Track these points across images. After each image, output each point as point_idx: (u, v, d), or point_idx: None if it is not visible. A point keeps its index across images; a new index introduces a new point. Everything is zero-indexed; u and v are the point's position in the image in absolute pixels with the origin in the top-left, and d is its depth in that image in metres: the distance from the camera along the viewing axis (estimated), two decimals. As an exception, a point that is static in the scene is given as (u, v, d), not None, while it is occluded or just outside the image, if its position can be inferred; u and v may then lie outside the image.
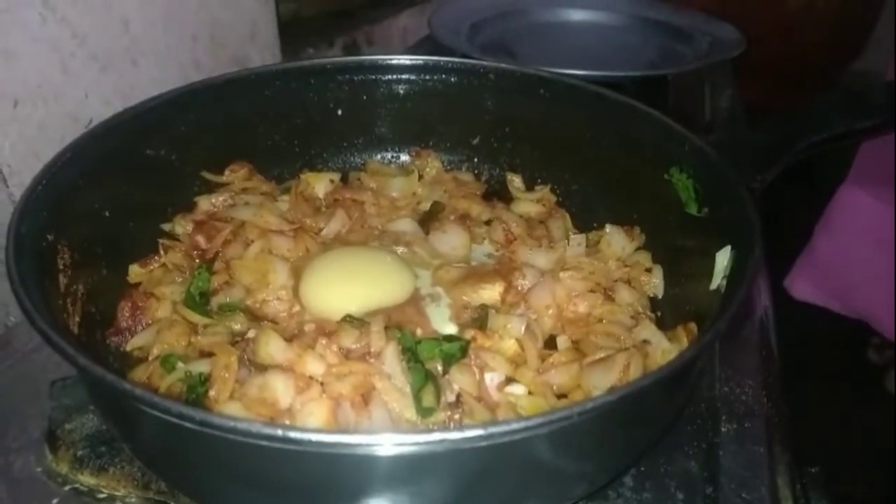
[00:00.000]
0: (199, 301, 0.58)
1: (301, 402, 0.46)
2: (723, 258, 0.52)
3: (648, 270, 0.65)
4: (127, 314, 0.57)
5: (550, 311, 0.59)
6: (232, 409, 0.46)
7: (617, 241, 0.65)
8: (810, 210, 1.37)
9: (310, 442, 0.32)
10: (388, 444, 0.33)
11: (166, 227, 0.68)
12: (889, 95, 0.66)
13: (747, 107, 1.35)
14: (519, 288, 0.60)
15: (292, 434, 0.32)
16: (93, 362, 0.36)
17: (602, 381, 0.50)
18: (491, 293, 0.59)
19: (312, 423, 0.44)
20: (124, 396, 0.35)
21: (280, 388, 0.46)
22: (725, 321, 0.40)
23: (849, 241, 1.33)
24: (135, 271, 0.62)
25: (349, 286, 0.59)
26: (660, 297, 0.63)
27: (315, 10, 1.44)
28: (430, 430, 0.39)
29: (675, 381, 0.39)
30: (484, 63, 0.77)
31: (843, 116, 0.64)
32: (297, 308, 0.60)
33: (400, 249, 0.67)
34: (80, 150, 0.58)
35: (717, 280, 0.52)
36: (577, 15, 1.42)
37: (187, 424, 0.33)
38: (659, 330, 0.56)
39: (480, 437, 0.33)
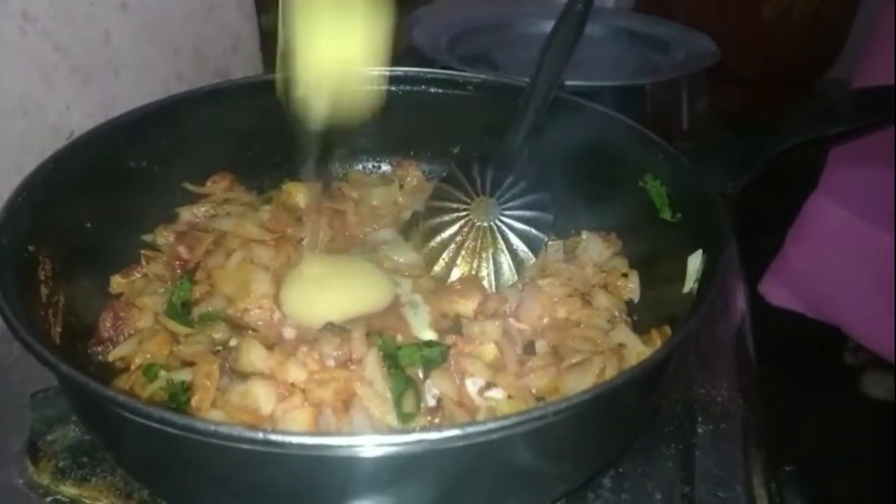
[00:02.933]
0: (181, 311, 0.58)
1: (283, 409, 0.46)
2: (695, 262, 0.54)
3: (625, 275, 0.66)
4: (109, 325, 0.58)
5: (545, 321, 0.60)
6: (214, 416, 0.47)
7: (594, 247, 0.67)
8: (786, 214, 1.40)
9: (290, 444, 0.33)
10: (368, 445, 0.33)
11: (148, 237, 0.68)
12: (855, 104, 0.68)
13: (723, 114, 1.38)
14: (501, 298, 0.61)
15: (273, 437, 0.33)
16: (74, 370, 0.36)
17: (579, 384, 0.51)
18: (465, 306, 0.59)
19: (294, 429, 0.45)
20: (106, 403, 0.35)
21: (262, 396, 0.47)
22: (696, 322, 0.42)
23: (820, 249, 1.35)
24: (117, 282, 0.63)
25: (329, 294, 0.59)
26: (636, 301, 0.65)
27: (297, 22, 1.45)
28: (409, 432, 0.40)
29: (647, 380, 0.40)
30: (463, 74, 0.79)
31: (813, 124, 0.66)
32: (277, 316, 0.60)
33: (380, 258, 0.68)
34: (62, 161, 0.59)
35: (690, 283, 0.54)
36: (556, 28, 1.45)
37: (168, 429, 0.33)
38: (634, 333, 0.57)
39: (458, 437, 0.34)
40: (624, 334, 0.57)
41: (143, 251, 0.66)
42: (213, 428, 0.33)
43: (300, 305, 0.58)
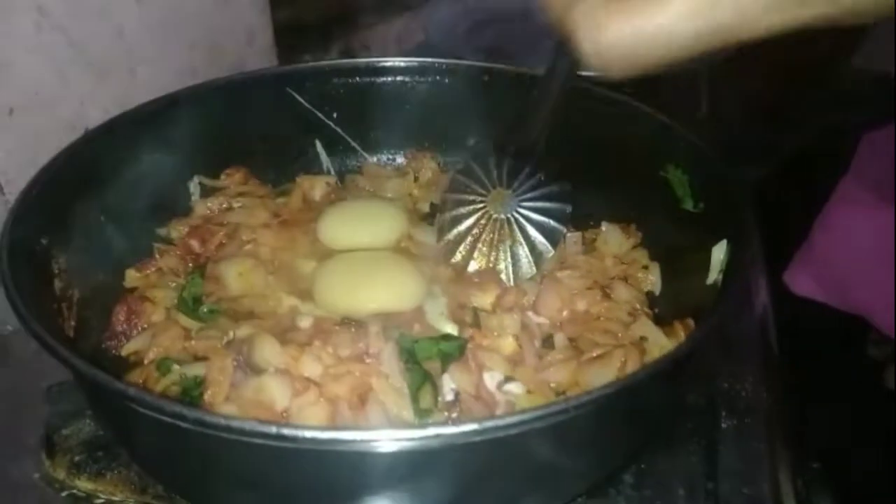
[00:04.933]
0: (193, 306, 0.58)
1: (298, 404, 0.46)
2: (719, 252, 0.52)
3: (645, 267, 0.65)
4: (122, 318, 0.57)
5: (565, 314, 0.59)
6: (228, 411, 0.46)
7: (613, 238, 0.65)
8: (811, 206, 1.36)
9: (304, 439, 0.32)
10: (384, 440, 0.32)
11: (162, 231, 0.68)
12: (880, 90, 0.66)
13: (744, 101, 1.35)
14: (520, 291, 0.59)
15: (286, 431, 0.32)
16: (88, 364, 0.36)
17: (600, 378, 0.50)
18: (483, 300, 0.58)
19: (309, 424, 0.44)
20: (120, 397, 0.35)
21: (276, 391, 0.46)
22: (721, 314, 0.40)
23: (847, 237, 1.32)
24: (131, 276, 0.62)
25: (371, 287, 0.59)
26: (657, 293, 0.63)
27: (311, 16, 1.45)
28: (425, 426, 0.39)
29: (670, 374, 0.39)
30: (477, 64, 0.77)
31: (837, 111, 0.64)
32: (290, 304, 0.59)
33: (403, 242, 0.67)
34: (75, 154, 0.58)
35: (714, 275, 0.52)
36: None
37: (181, 424, 0.33)
38: (656, 326, 0.56)
39: (476, 432, 0.33)
40: (646, 327, 0.55)
41: (157, 245, 0.65)
42: (225, 422, 0.33)
43: (336, 295, 0.58)
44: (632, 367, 0.50)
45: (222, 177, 0.73)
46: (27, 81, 0.78)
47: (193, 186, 0.72)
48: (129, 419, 0.40)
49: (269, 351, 0.49)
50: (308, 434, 0.32)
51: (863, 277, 1.33)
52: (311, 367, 0.48)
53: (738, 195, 0.52)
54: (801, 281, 1.39)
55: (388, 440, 0.33)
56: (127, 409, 0.37)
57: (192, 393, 0.49)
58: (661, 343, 0.53)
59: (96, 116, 0.86)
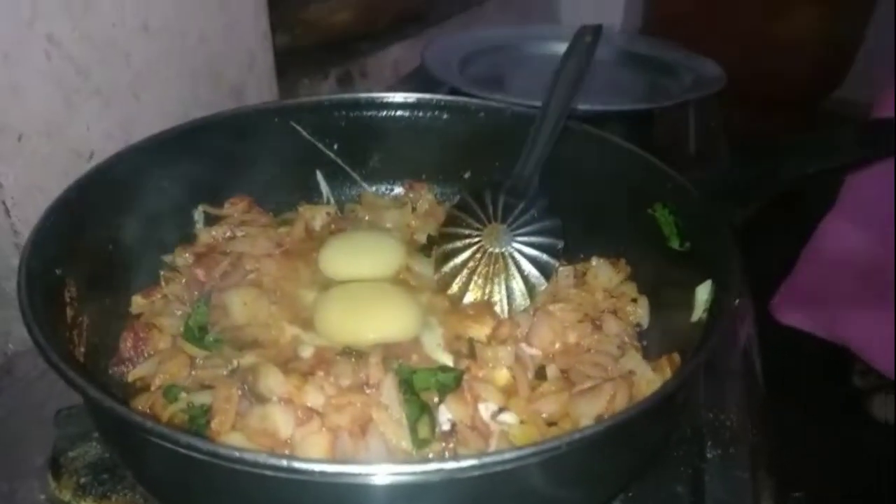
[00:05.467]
0: (198, 334, 0.60)
1: (301, 434, 0.48)
2: (703, 292, 0.55)
3: (634, 301, 0.67)
4: (129, 345, 0.59)
5: (557, 346, 0.62)
6: (234, 439, 0.48)
7: (604, 273, 0.68)
8: (797, 234, 1.40)
9: (313, 472, 0.34)
10: (386, 474, 0.35)
11: (167, 258, 0.70)
12: (856, 137, 0.69)
13: (732, 133, 1.40)
14: (514, 323, 0.62)
15: (297, 464, 0.34)
16: (104, 395, 0.38)
17: (590, 410, 0.52)
18: (479, 331, 0.61)
19: (312, 454, 0.46)
20: (137, 429, 0.36)
21: (280, 420, 0.48)
22: (705, 355, 0.43)
23: (832, 270, 1.36)
24: (137, 302, 0.64)
25: (365, 317, 0.61)
26: (645, 326, 0.66)
27: (310, 42, 1.48)
28: (427, 460, 0.41)
29: (658, 411, 0.41)
30: (474, 101, 0.80)
31: (818, 154, 0.67)
32: (292, 333, 0.61)
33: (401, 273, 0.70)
34: (86, 186, 0.60)
35: (699, 313, 0.55)
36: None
37: (196, 455, 0.35)
38: (644, 360, 0.58)
39: (475, 467, 0.35)
40: (634, 361, 0.58)
41: (162, 272, 0.67)
42: (239, 455, 0.35)
43: (336, 325, 0.60)
44: (620, 400, 0.53)
45: (226, 206, 0.75)
46: (36, 108, 0.80)
47: (198, 215, 0.74)
48: (141, 447, 0.41)
49: (272, 381, 0.51)
50: (318, 468, 0.34)
51: (846, 309, 1.36)
52: (314, 397, 0.50)
53: (723, 237, 0.55)
54: (787, 311, 1.43)
55: (391, 474, 0.35)
56: (140, 438, 0.38)
57: (198, 421, 0.50)
58: (648, 377, 0.55)
59: (101, 142, 0.89)
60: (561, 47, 1.52)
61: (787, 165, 0.67)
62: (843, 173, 1.04)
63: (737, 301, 0.48)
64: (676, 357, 0.55)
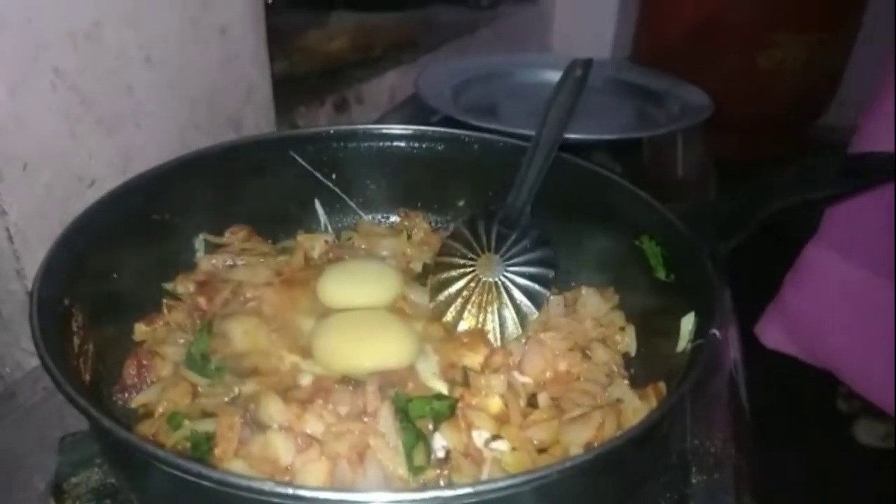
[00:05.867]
0: (200, 362, 0.61)
1: (301, 461, 0.49)
2: (687, 323, 0.57)
3: (622, 329, 0.70)
4: (133, 372, 0.61)
5: (548, 374, 0.64)
6: (237, 466, 0.50)
7: (593, 302, 0.70)
8: (785, 258, 1.43)
9: (316, 500, 0.36)
10: (386, 502, 0.37)
11: (169, 286, 0.72)
12: (838, 169, 0.72)
13: (720, 159, 1.43)
14: (506, 351, 0.64)
15: (302, 492, 0.36)
16: (118, 425, 0.40)
17: (579, 437, 0.54)
18: (473, 359, 0.63)
19: (312, 480, 0.48)
20: (149, 458, 0.38)
21: (281, 448, 0.50)
22: (687, 386, 0.45)
23: (816, 296, 1.39)
24: (140, 330, 0.66)
25: (362, 346, 0.63)
26: (633, 354, 0.68)
27: (307, 69, 1.51)
28: (423, 488, 0.43)
29: (643, 439, 0.43)
30: (469, 133, 0.83)
31: (799, 189, 0.70)
32: (292, 361, 0.63)
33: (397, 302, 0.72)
34: (93, 217, 0.62)
35: (683, 343, 0.57)
36: (558, 77, 1.50)
37: (204, 483, 0.37)
38: (630, 389, 0.60)
39: (470, 495, 0.37)
40: (621, 390, 0.60)
41: (165, 300, 0.69)
42: (247, 483, 0.36)
43: (334, 353, 0.62)
44: (609, 427, 0.55)
45: (226, 234, 0.77)
46: (41, 138, 0.82)
47: (199, 243, 0.76)
48: (148, 473, 0.43)
49: (273, 409, 0.53)
50: (322, 496, 0.36)
51: (830, 334, 1.39)
52: (313, 425, 0.52)
53: (704, 270, 0.57)
54: (772, 335, 1.45)
55: (390, 502, 0.37)
56: (149, 466, 0.40)
57: (202, 448, 0.52)
58: (634, 406, 0.57)
59: (102, 169, 0.91)
60: (553, 75, 1.56)
61: (770, 198, 0.70)
62: (826, 204, 1.07)
63: (716, 332, 0.50)
64: (662, 386, 0.57)
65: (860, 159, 0.75)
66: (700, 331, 0.54)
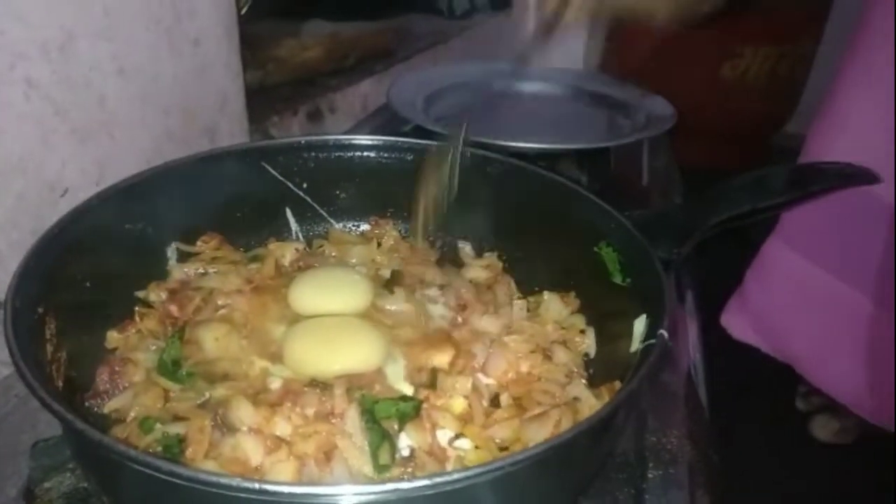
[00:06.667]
0: (172, 368, 0.63)
1: (270, 461, 0.51)
2: (639, 325, 0.61)
3: (582, 332, 0.73)
4: (105, 378, 0.62)
5: (510, 375, 0.66)
6: (208, 467, 0.51)
7: (555, 306, 0.73)
8: (745, 254, 1.48)
9: (282, 493, 0.38)
10: (349, 495, 0.39)
11: (141, 294, 0.73)
12: (786, 179, 0.76)
13: (685, 167, 1.48)
14: (471, 354, 0.66)
15: (268, 487, 0.38)
16: (94, 429, 0.41)
17: (537, 435, 0.57)
18: (441, 360, 0.65)
19: (281, 479, 0.50)
20: (120, 458, 0.40)
21: (250, 449, 0.52)
22: (636, 384, 0.48)
23: (775, 290, 1.44)
24: (112, 337, 0.67)
25: (332, 350, 0.65)
26: (592, 356, 0.71)
27: (280, 79, 1.53)
28: (384, 482, 0.45)
29: (592, 435, 0.46)
30: (437, 143, 0.86)
31: (748, 197, 0.74)
32: (262, 366, 0.65)
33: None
34: (67, 226, 0.64)
35: (636, 345, 0.60)
36: (529, 87, 1.54)
37: (176, 481, 0.39)
38: (587, 388, 0.63)
39: (427, 487, 0.40)
40: (578, 389, 0.63)
41: (137, 307, 0.70)
42: (215, 479, 0.38)
43: (306, 358, 0.64)
44: (565, 424, 0.57)
45: (198, 243, 0.79)
46: (14, 147, 0.83)
47: (171, 252, 0.77)
48: (122, 475, 0.45)
49: (243, 412, 0.55)
50: (286, 489, 0.38)
51: (788, 327, 1.44)
52: (282, 427, 0.54)
53: (657, 275, 0.61)
54: (737, 325, 1.50)
55: (352, 494, 0.39)
56: (122, 466, 0.42)
57: (173, 450, 0.54)
58: (590, 404, 0.60)
59: (76, 178, 0.92)
60: (525, 85, 1.60)
61: (720, 206, 0.74)
62: (777, 211, 1.12)
63: (664, 333, 0.53)
64: (616, 385, 0.60)
65: (806, 170, 0.79)
66: (650, 332, 0.57)
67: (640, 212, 0.74)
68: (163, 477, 0.39)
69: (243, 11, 1.36)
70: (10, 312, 0.51)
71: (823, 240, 1.35)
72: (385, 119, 1.44)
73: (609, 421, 0.49)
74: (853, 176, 0.77)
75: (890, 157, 1.08)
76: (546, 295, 0.75)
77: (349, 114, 1.59)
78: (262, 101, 1.39)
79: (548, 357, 0.69)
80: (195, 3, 1.05)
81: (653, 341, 0.55)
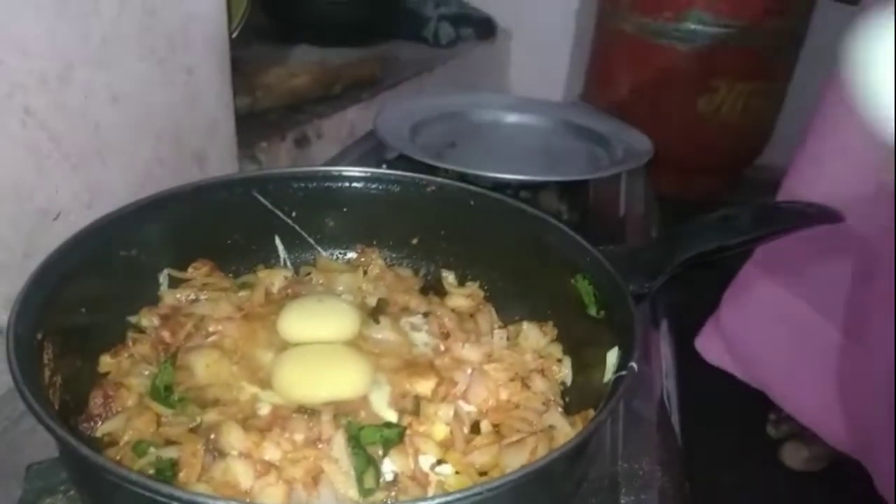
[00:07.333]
0: (164, 394, 0.65)
1: (259, 485, 0.54)
2: (612, 357, 0.64)
3: (559, 361, 0.76)
4: (99, 402, 0.64)
5: (490, 403, 0.69)
6: (199, 490, 0.54)
7: (533, 335, 0.77)
8: (722, 278, 1.52)
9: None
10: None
11: (133, 319, 0.75)
12: (751, 217, 0.80)
13: (662, 198, 1.53)
14: (452, 382, 0.69)
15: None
16: (96, 453, 0.44)
17: (515, 461, 0.60)
18: (424, 387, 0.68)
19: (271, 502, 0.52)
20: (119, 480, 0.42)
21: (241, 473, 0.54)
22: (605, 414, 0.51)
23: (750, 316, 1.49)
24: (105, 362, 0.69)
25: (319, 378, 0.67)
26: (568, 384, 0.74)
27: (269, 105, 1.56)
28: (370, 506, 0.48)
29: (565, 462, 0.49)
30: (422, 176, 0.89)
31: (716, 235, 0.78)
32: (251, 392, 0.67)
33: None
34: (65, 254, 0.66)
35: (608, 375, 0.64)
36: (512, 118, 1.59)
37: (174, 503, 0.41)
38: (563, 416, 0.66)
39: (411, 512, 0.42)
40: (554, 417, 0.66)
41: (130, 333, 0.72)
42: (211, 502, 0.41)
43: (294, 385, 0.66)
44: (541, 451, 0.60)
45: (190, 269, 0.81)
46: (8, 173, 0.85)
47: (163, 278, 0.79)
48: (116, 496, 0.47)
49: (234, 437, 0.57)
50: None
51: (763, 355, 1.48)
52: (271, 452, 0.57)
53: (627, 308, 0.64)
54: (711, 350, 1.54)
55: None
56: (118, 488, 0.44)
57: (166, 473, 0.56)
58: (565, 431, 0.63)
59: (68, 203, 0.94)
60: (509, 116, 1.65)
61: (689, 243, 0.78)
62: (745, 248, 1.16)
63: (634, 365, 0.57)
64: (591, 413, 0.63)
65: (770, 209, 0.83)
66: (622, 363, 0.61)
67: (614, 247, 0.78)
68: (162, 500, 0.41)
69: (234, 35, 1.39)
70: (12, 339, 0.53)
71: (798, 268, 1.40)
72: (371, 146, 1.47)
73: (581, 449, 0.52)
74: (815, 216, 0.81)
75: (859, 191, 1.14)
76: (525, 325, 0.78)
77: (336, 140, 1.63)
78: (250, 126, 1.42)
79: (526, 385, 0.72)
80: (190, 34, 1.09)
81: (623, 373, 0.59)
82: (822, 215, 0.82)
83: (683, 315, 1.25)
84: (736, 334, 1.51)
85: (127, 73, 0.99)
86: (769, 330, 1.46)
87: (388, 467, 0.60)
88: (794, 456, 1.54)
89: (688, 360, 1.42)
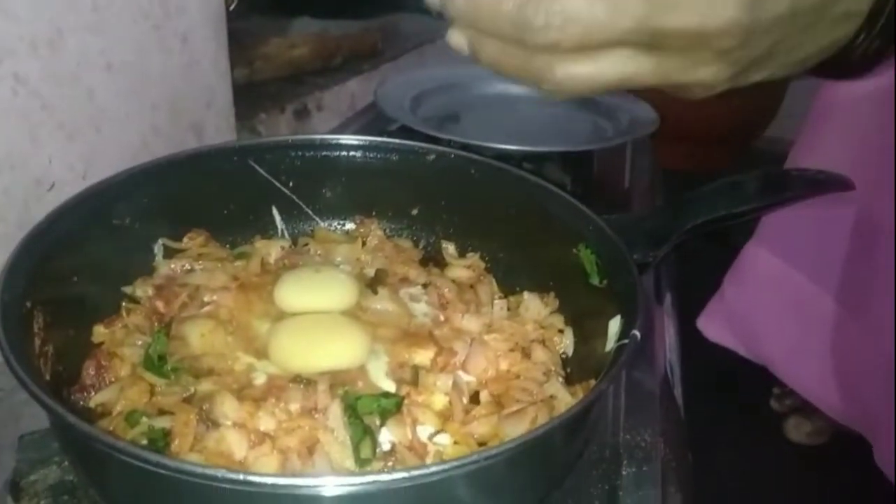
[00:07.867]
0: (157, 363, 0.64)
1: (254, 455, 0.53)
2: (614, 326, 0.63)
3: (561, 331, 0.75)
4: (92, 373, 0.63)
5: (490, 373, 0.68)
6: (193, 459, 0.53)
7: (534, 306, 0.75)
8: (725, 257, 1.51)
9: (265, 484, 0.40)
10: (330, 486, 0.41)
11: (128, 289, 0.74)
12: (760, 185, 0.78)
13: (668, 170, 1.51)
14: (451, 352, 0.68)
15: (252, 478, 0.40)
16: (85, 422, 0.43)
17: (514, 431, 0.59)
18: (423, 357, 0.67)
19: (265, 472, 0.52)
20: (110, 449, 0.41)
21: (235, 443, 0.53)
22: (607, 383, 0.50)
23: (753, 293, 1.48)
24: (99, 332, 0.68)
25: (317, 347, 0.66)
26: (570, 355, 0.73)
27: (268, 76, 1.53)
28: (364, 473, 0.47)
29: (564, 431, 0.48)
30: (422, 145, 0.87)
31: (723, 203, 0.76)
32: (247, 362, 0.66)
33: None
34: (55, 222, 0.65)
35: (610, 344, 0.62)
36: (515, 89, 1.56)
37: (163, 472, 0.40)
38: (564, 386, 0.65)
39: (405, 479, 0.41)
40: (555, 387, 0.65)
41: (123, 303, 0.71)
42: (200, 470, 0.40)
43: (288, 354, 0.65)
44: (541, 421, 0.59)
45: (185, 240, 0.79)
46: (1, 143, 0.83)
47: (157, 248, 0.78)
48: (110, 467, 0.46)
49: (227, 407, 0.56)
50: (269, 481, 0.40)
51: (766, 331, 1.47)
52: (265, 422, 0.56)
53: (631, 277, 0.63)
54: (714, 329, 1.53)
55: (333, 486, 0.41)
56: (111, 458, 0.43)
57: (158, 443, 0.55)
58: (566, 401, 0.62)
59: (62, 173, 0.93)
60: (510, 87, 1.62)
61: (694, 211, 0.76)
62: (752, 216, 1.15)
63: (637, 333, 0.55)
64: (592, 383, 0.62)
65: (779, 176, 0.81)
66: (624, 332, 0.59)
67: (618, 215, 0.76)
68: (150, 468, 0.40)
69: (231, 7, 1.37)
70: (0, 308, 0.52)
71: (800, 241, 1.39)
72: (372, 118, 1.45)
73: (581, 418, 0.51)
74: (826, 183, 0.79)
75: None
76: (526, 295, 0.76)
77: (336, 112, 1.60)
78: (249, 98, 1.40)
79: (527, 356, 0.71)
80: (184, 0, 1.06)
81: (626, 341, 0.57)
82: (833, 183, 0.80)
83: (688, 291, 1.23)
84: (738, 311, 1.50)
85: (120, 40, 0.97)
86: (771, 304, 1.45)
87: (386, 437, 0.59)
88: (797, 430, 1.54)
89: (691, 336, 1.41)
